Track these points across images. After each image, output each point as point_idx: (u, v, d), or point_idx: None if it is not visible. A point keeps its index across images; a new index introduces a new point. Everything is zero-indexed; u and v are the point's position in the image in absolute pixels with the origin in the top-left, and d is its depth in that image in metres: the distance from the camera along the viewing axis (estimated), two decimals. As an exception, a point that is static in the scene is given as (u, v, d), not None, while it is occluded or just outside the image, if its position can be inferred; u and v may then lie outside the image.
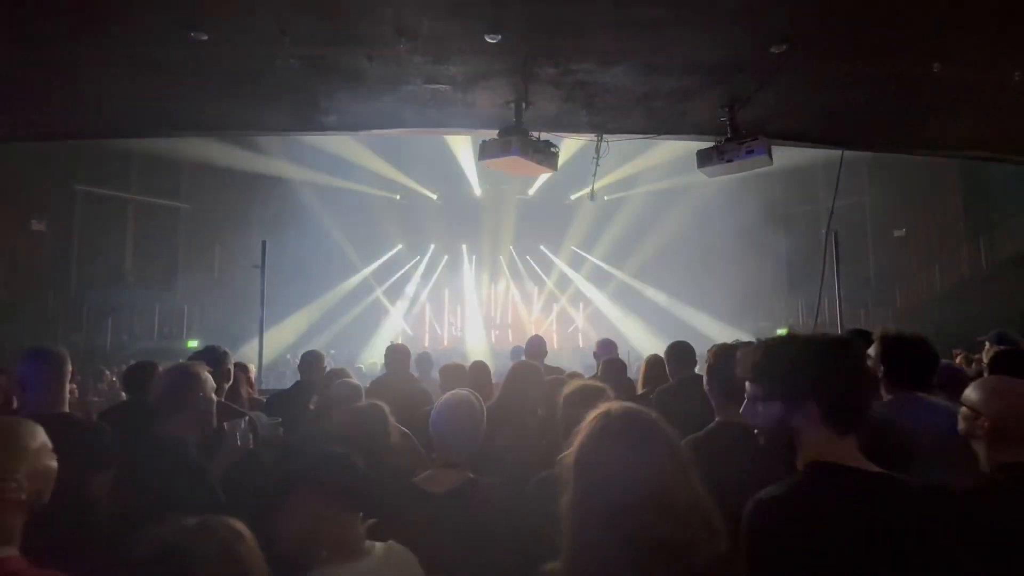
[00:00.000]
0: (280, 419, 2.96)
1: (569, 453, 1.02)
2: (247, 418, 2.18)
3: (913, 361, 1.90)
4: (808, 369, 1.07)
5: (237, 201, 12.96)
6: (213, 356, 2.71)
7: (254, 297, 5.98)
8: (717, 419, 1.97)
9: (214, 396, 2.00)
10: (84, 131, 5.02)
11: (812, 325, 7.35)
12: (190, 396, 1.92)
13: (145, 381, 3.13)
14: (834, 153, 5.58)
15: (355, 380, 2.95)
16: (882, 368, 1.92)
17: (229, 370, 2.85)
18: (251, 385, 3.83)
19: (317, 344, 10.47)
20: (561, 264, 16.78)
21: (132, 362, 3.29)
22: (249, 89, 3.79)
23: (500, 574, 1.66)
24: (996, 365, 2.28)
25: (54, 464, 1.30)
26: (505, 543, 1.74)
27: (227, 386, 2.73)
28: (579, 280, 16.50)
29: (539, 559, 1.20)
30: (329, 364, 4.88)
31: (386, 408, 2.20)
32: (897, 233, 13.39)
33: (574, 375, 3.66)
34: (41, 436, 1.30)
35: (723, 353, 2.08)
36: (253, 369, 4.54)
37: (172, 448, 1.85)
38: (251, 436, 2.12)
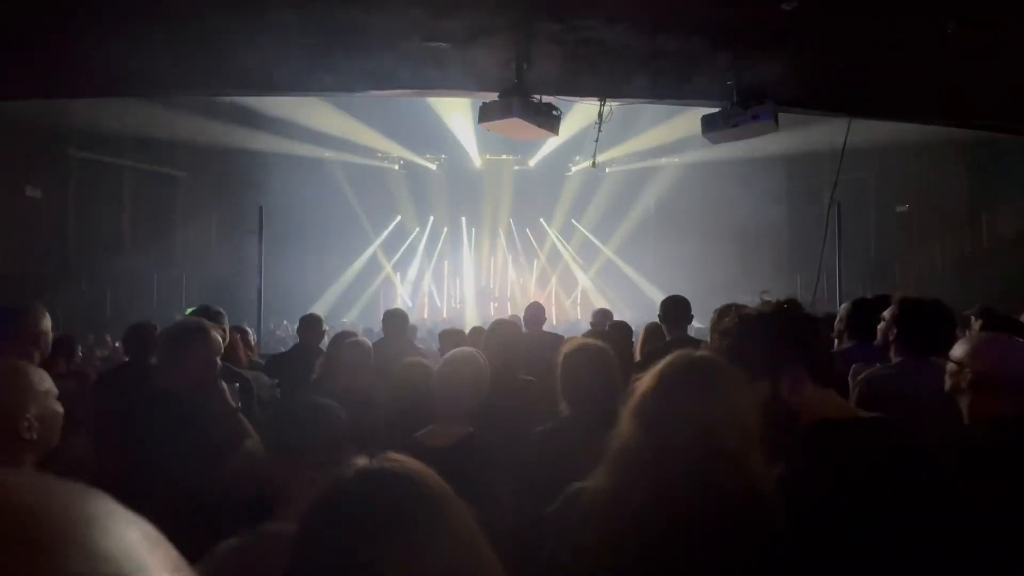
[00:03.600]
0: (277, 381, 2.97)
1: (638, 383, 1.06)
2: (236, 383, 2.17)
3: (926, 326, 1.90)
4: (787, 338, 1.10)
5: (235, 170, 12.78)
6: (207, 317, 2.70)
7: (253, 264, 5.97)
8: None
9: (217, 354, 1.99)
10: (78, 88, 4.89)
11: (810, 300, 7.36)
12: (190, 352, 1.89)
13: (144, 341, 3.14)
14: (840, 127, 5.47)
15: (365, 340, 2.95)
16: (895, 331, 1.92)
17: (224, 331, 2.84)
18: (250, 348, 3.84)
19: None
20: (560, 237, 16.69)
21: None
22: (243, 43, 3.68)
23: (502, 526, 1.69)
24: (989, 328, 2.32)
25: (60, 410, 1.27)
26: (506, 495, 1.76)
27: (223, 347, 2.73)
28: (578, 253, 16.45)
29: (539, 507, 1.21)
30: (328, 330, 4.90)
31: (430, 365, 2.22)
32: (900, 209, 13.25)
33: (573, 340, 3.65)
34: (48, 381, 1.27)
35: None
36: (252, 332, 4.55)
37: (167, 400, 1.83)
38: (239, 399, 2.11)
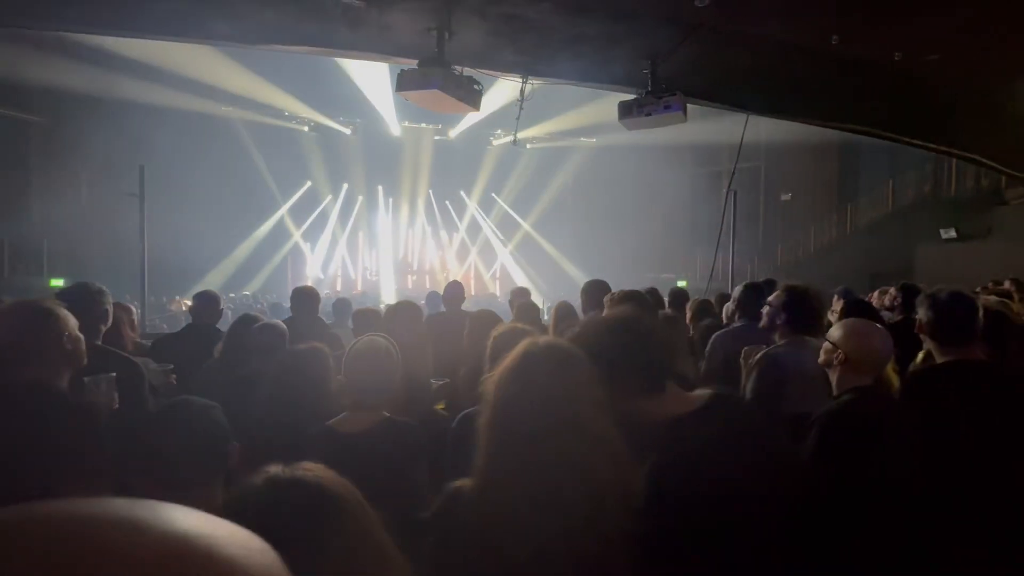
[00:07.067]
0: (171, 365, 2.70)
1: (491, 378, 1.05)
2: (112, 375, 1.92)
3: (806, 311, 2.16)
4: (603, 352, 1.12)
5: (107, 117, 11.05)
6: (85, 294, 2.36)
7: (132, 230, 5.29)
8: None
9: (80, 335, 1.73)
10: None
11: (707, 277, 8.07)
12: (49, 336, 1.62)
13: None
14: (740, 117, 5.93)
15: (279, 323, 2.73)
16: (783, 315, 2.17)
17: (107, 310, 2.50)
18: (133, 328, 3.44)
19: (214, 286, 9.56)
20: (480, 211, 16.60)
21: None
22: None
23: (419, 509, 1.69)
24: (849, 311, 2.71)
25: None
26: (423, 479, 1.77)
27: (104, 328, 2.41)
28: (498, 227, 16.50)
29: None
30: (227, 308, 4.51)
31: (327, 351, 2.10)
32: (784, 197, 14.81)
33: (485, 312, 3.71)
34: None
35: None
36: (136, 310, 4.06)
37: (38, 394, 1.59)
38: (116, 395, 1.89)
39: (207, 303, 3.55)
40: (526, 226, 16.25)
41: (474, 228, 16.78)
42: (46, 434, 1.46)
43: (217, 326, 3.54)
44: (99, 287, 2.48)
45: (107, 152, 10.66)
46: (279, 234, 14.59)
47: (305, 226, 15.18)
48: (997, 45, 4.06)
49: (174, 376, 2.62)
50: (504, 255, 16.64)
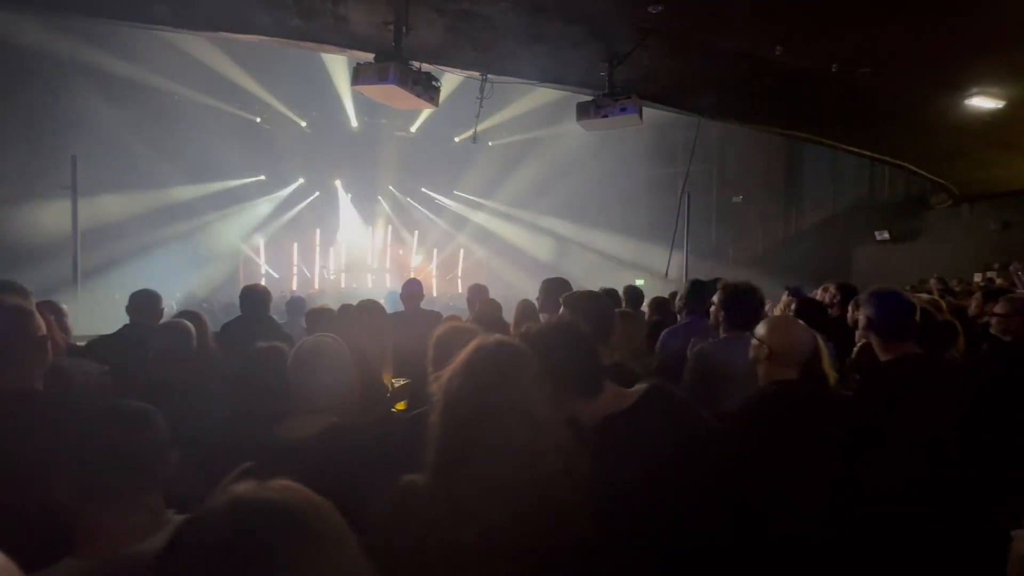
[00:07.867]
0: (107, 368, 2.54)
1: (442, 375, 1.07)
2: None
3: (743, 308, 2.26)
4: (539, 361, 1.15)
5: (23, 99, 10.02)
6: (7, 294, 2.18)
7: (60, 225, 4.94)
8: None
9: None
10: None
11: (663, 275, 8.32)
12: (30, 338, 1.49)
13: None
14: (694, 121, 6.14)
15: (186, 323, 2.55)
16: (722, 312, 2.27)
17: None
18: (66, 330, 3.20)
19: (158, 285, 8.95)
20: (444, 207, 16.42)
21: None
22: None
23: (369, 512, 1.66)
24: (801, 308, 2.88)
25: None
26: (376, 483, 1.73)
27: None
28: (461, 224, 16.38)
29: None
30: (168, 306, 4.25)
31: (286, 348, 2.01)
32: (735, 199, 15.45)
33: (452, 318, 3.68)
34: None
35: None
36: (67, 311, 3.78)
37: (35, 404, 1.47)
38: None
39: (145, 302, 3.35)
40: (491, 223, 16.22)
41: (437, 225, 16.60)
42: (49, 443, 1.35)
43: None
44: (20, 286, 2.31)
45: (31, 133, 9.77)
46: (226, 231, 13.91)
47: (257, 223, 14.57)
48: (922, 62, 4.38)
49: (110, 379, 2.46)
50: (468, 255, 16.56)
